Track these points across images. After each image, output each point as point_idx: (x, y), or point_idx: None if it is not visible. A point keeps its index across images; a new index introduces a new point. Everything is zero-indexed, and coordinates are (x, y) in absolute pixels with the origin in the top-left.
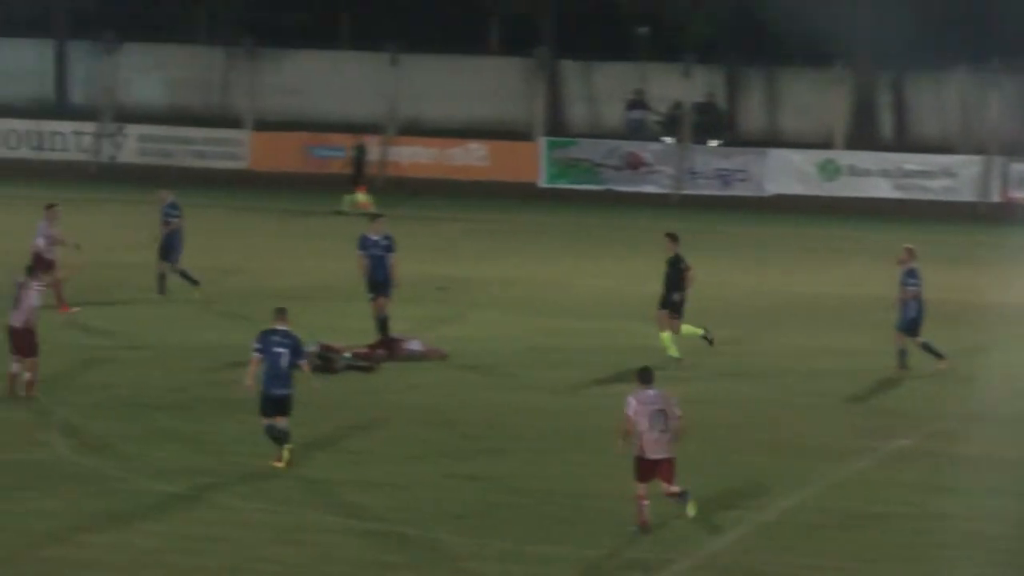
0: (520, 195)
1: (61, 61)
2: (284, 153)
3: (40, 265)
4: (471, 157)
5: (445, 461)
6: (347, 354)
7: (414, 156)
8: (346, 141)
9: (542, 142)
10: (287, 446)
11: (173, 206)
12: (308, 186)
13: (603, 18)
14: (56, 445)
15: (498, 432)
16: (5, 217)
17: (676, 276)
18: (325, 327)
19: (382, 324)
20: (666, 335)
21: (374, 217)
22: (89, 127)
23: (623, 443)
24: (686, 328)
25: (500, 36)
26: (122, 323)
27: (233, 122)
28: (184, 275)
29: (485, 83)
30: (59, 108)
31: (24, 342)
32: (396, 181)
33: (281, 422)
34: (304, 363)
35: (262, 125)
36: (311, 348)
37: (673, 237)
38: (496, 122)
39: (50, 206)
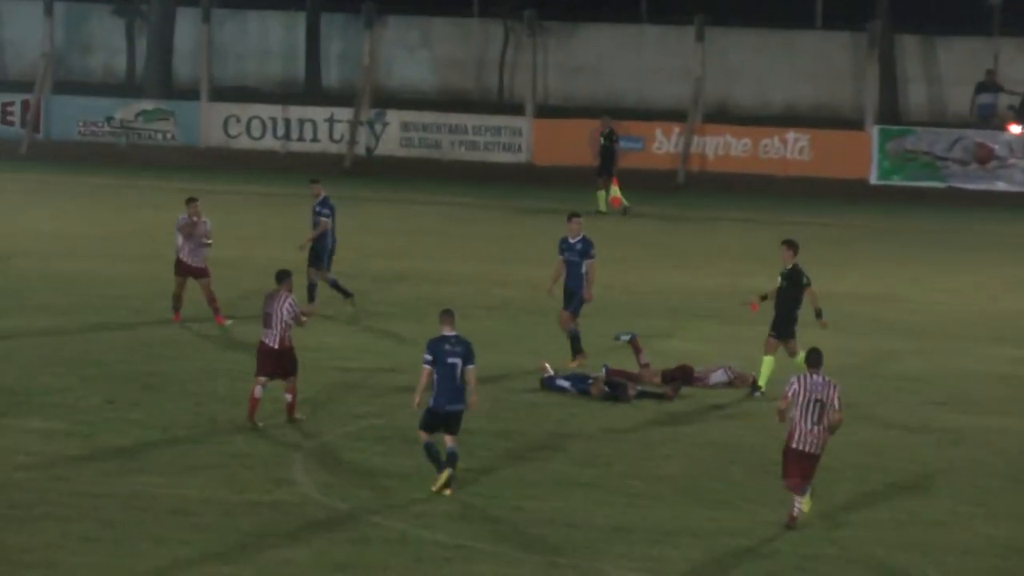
0: (847, 194)
1: (313, 37)
2: (570, 144)
3: (181, 270)
4: (789, 149)
5: (762, 510)
6: (638, 387)
7: (722, 147)
8: (644, 130)
9: (874, 131)
10: (448, 471)
11: (324, 203)
12: (593, 181)
13: None
14: (302, 483)
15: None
16: (248, 216)
17: (793, 292)
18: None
19: (572, 341)
20: (768, 359)
21: (625, 211)
22: (344, 113)
23: (778, 420)
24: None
25: (825, 7)
26: (368, 341)
27: (512, 108)
28: (335, 285)
29: (807, 62)
30: (310, 91)
31: (282, 362)
32: (700, 176)
33: (450, 442)
34: (471, 370)
35: (546, 111)
36: (597, 374)
37: (791, 245)
38: (819, 108)
39: (191, 200)
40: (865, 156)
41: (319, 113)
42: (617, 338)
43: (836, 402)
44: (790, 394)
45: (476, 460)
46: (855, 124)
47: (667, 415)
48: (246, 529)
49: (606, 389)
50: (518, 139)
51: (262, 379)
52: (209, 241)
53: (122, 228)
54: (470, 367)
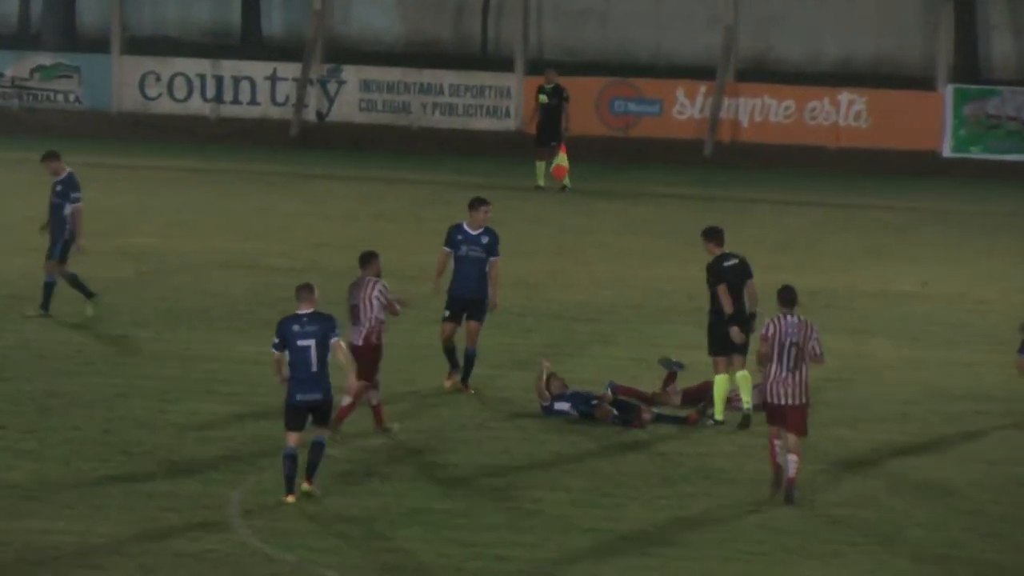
0: (913, 168)
1: None
2: (570, 107)
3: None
4: (843, 113)
5: (809, 563)
6: (654, 410)
7: (759, 111)
8: (662, 91)
9: (948, 92)
10: (308, 486)
11: (69, 183)
12: (600, 154)
13: None
14: (238, 529)
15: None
16: (171, 198)
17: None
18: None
19: (464, 358)
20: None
21: (564, 188)
22: (290, 69)
23: (758, 364)
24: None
25: None
26: None
27: (498, 63)
28: (75, 282)
29: (864, 9)
30: (247, 42)
31: (363, 362)
32: (732, 148)
33: (318, 433)
34: (336, 342)
35: (539, 67)
36: (602, 392)
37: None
38: (880, 62)
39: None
40: (936, 122)
41: (259, 69)
42: (670, 366)
43: (817, 346)
44: (769, 335)
45: (454, 500)
46: (924, 83)
47: (689, 443)
48: None
49: (614, 412)
50: (505, 101)
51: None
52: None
53: (13, 213)
54: (334, 339)
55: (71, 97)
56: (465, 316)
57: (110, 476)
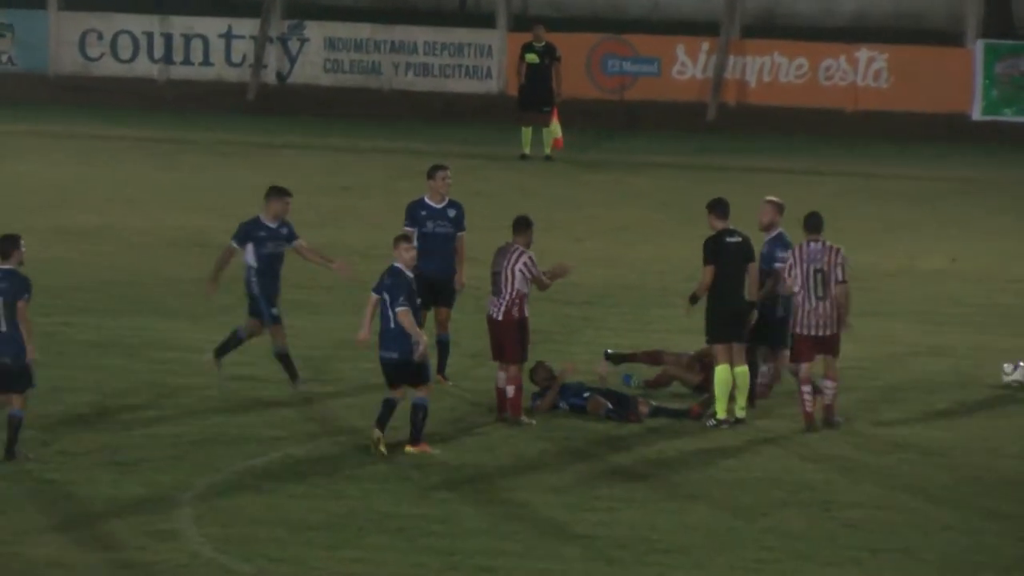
0: (940, 133)
1: None
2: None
3: None
4: (861, 72)
5: (830, 570)
6: (652, 403)
7: (768, 71)
8: (660, 48)
9: (977, 48)
10: None
11: None
12: (591, 120)
13: None
14: (190, 537)
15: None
16: (115, 170)
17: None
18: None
19: (438, 346)
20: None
21: (549, 157)
22: (247, 26)
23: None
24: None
25: None
26: None
27: (478, 19)
28: None
29: None
30: None
31: (505, 340)
32: (738, 111)
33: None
34: (21, 307)
35: (524, 24)
36: (596, 384)
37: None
38: (902, 16)
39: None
40: (965, 82)
41: (212, 26)
42: (626, 381)
43: (839, 271)
44: (787, 268)
45: (430, 503)
46: (951, 38)
47: (691, 439)
48: None
49: (608, 405)
50: (486, 61)
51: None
52: None
53: None
54: (20, 301)
55: (3, 58)
56: (433, 302)
57: (47, 479)
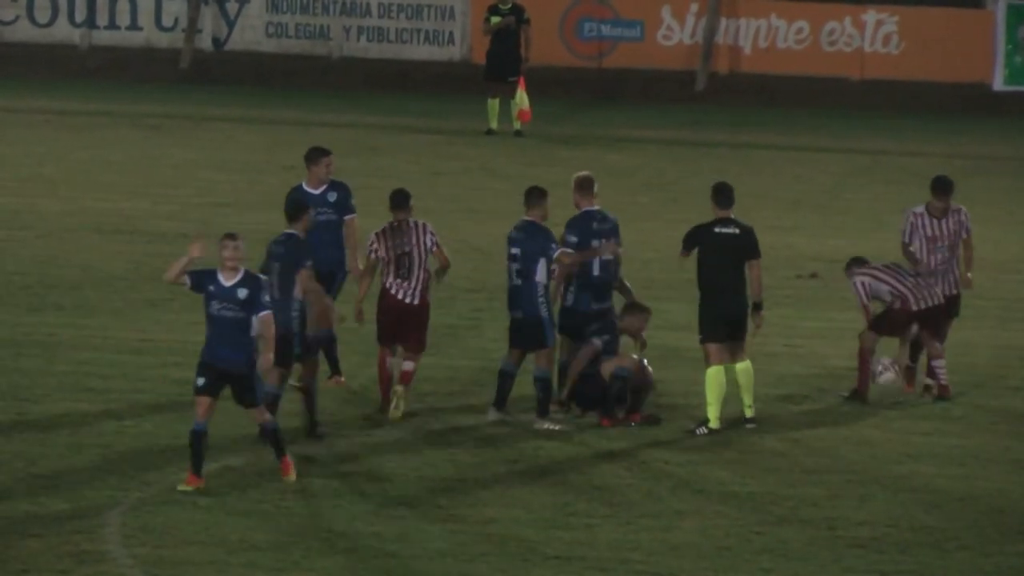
0: (957, 105)
1: None
2: (537, 34)
3: None
4: (869, 37)
5: None
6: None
7: (764, 35)
8: (643, 9)
9: (999, 10)
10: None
11: None
12: (566, 90)
13: None
14: (118, 558)
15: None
16: (32, 147)
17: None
18: None
19: (329, 349)
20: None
21: (518, 132)
22: None
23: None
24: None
25: None
26: None
27: None
28: None
29: None
30: None
31: (413, 324)
32: (730, 81)
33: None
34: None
35: None
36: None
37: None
38: None
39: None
40: (985, 48)
41: None
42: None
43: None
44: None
45: (386, 520)
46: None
47: (678, 449)
48: None
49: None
50: (449, 24)
51: (388, 351)
52: None
53: None
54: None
55: None
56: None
57: None
